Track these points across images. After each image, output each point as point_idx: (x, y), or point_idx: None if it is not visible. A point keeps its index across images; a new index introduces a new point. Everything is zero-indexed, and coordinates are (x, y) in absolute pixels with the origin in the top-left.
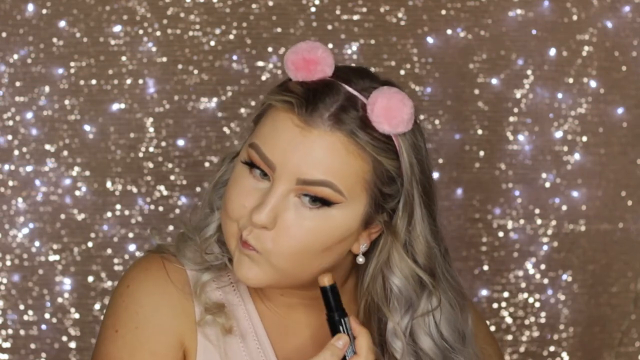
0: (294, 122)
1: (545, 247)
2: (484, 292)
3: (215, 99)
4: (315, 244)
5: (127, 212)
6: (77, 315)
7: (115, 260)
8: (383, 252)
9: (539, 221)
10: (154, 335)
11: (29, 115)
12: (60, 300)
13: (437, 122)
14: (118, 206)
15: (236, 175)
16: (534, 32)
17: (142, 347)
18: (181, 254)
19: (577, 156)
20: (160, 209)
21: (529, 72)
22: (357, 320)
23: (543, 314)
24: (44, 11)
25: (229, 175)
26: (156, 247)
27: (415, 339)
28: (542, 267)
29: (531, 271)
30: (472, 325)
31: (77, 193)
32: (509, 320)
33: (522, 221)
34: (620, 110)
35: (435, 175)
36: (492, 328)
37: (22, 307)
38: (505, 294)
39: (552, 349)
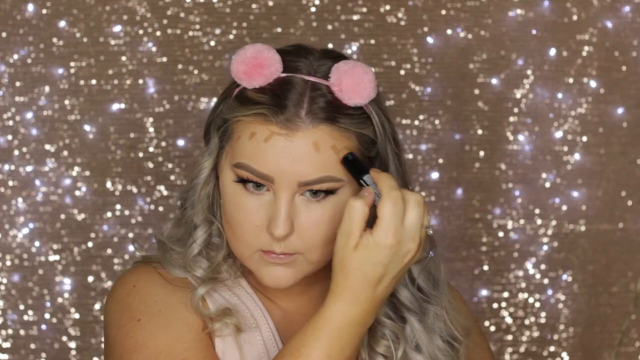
0: (275, 131)
1: (545, 247)
2: (484, 292)
3: (215, 99)
4: (324, 232)
5: (127, 212)
6: (77, 315)
7: (115, 260)
8: None
9: (539, 221)
10: (182, 312)
11: (29, 115)
12: (60, 300)
13: (437, 122)
14: (118, 206)
15: (232, 198)
16: (534, 32)
17: (173, 323)
18: (169, 265)
19: (577, 156)
20: (160, 209)
21: (529, 72)
22: (376, 170)
23: (543, 314)
24: (44, 11)
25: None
26: (142, 258)
27: (393, 291)
28: (542, 267)
29: (531, 271)
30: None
31: (77, 193)
32: (509, 320)
33: (522, 221)
34: (620, 110)
35: (435, 175)
36: (492, 328)
37: (22, 307)
38: (505, 294)
39: (552, 349)
